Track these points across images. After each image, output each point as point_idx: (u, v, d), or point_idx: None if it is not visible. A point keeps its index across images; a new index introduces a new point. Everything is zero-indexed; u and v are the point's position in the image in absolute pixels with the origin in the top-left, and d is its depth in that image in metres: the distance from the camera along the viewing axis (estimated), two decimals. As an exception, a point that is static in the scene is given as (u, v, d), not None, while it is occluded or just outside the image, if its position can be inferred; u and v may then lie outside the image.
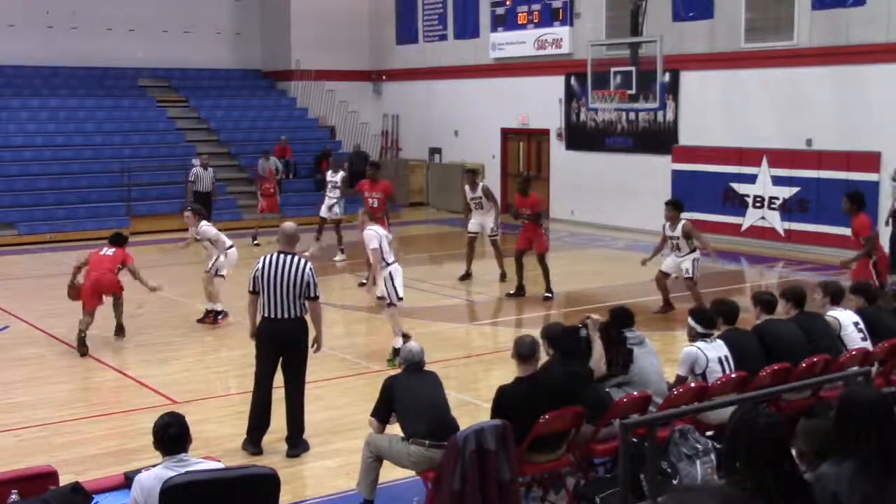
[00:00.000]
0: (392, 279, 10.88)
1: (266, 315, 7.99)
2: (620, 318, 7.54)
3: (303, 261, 8.02)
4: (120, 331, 12.00)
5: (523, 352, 6.58)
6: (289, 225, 8.31)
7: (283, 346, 8.08)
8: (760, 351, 7.60)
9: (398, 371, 6.97)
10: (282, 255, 7.98)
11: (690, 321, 7.55)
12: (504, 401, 6.43)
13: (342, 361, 11.22)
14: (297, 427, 8.16)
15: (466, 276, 15.77)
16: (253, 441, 8.12)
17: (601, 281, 16.53)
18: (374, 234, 10.86)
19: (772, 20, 18.88)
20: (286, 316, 7.93)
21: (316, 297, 8.03)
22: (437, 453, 6.25)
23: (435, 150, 27.47)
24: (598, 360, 7.11)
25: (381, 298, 11.15)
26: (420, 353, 6.84)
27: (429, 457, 6.37)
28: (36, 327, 12.64)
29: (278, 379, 8.18)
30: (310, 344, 8.19)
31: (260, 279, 7.94)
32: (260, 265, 7.99)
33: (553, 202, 23.83)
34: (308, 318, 8.10)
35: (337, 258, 17.86)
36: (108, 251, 12.00)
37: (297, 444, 8.13)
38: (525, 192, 14.83)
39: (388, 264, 10.90)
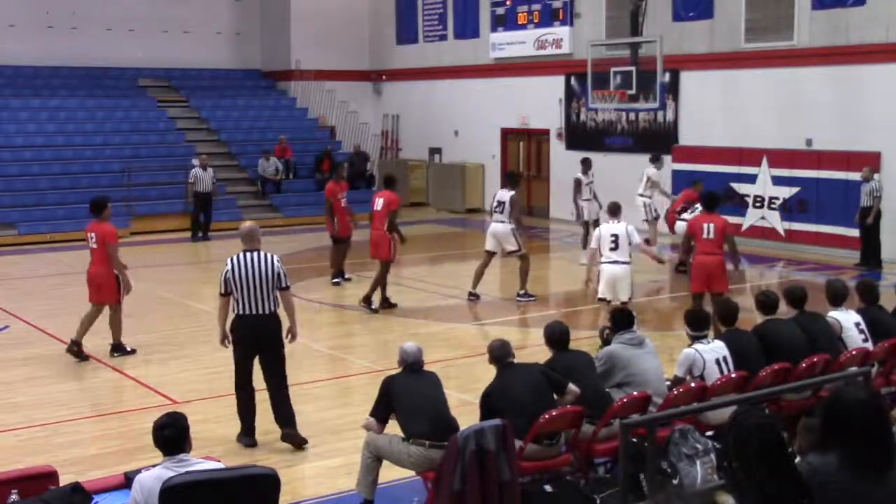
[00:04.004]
0: (598, 276, 11.79)
1: (242, 313, 8.08)
2: (619, 320, 7.54)
3: (269, 254, 8.18)
4: None
5: (494, 355, 6.80)
6: (246, 224, 8.46)
7: (260, 341, 8.16)
8: (760, 351, 7.61)
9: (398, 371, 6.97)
10: (248, 253, 8.12)
11: (685, 324, 7.60)
12: (483, 397, 6.65)
13: (342, 361, 11.23)
14: (288, 417, 8.25)
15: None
16: (247, 432, 8.25)
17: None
18: (595, 235, 11.89)
19: (772, 20, 18.87)
20: (262, 311, 8.06)
21: (287, 287, 8.19)
22: (438, 453, 6.25)
23: (435, 150, 27.46)
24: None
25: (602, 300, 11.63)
26: (416, 353, 6.83)
27: (429, 457, 6.38)
28: (36, 327, 12.64)
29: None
30: (285, 335, 8.30)
31: (233, 279, 8.05)
32: (230, 266, 8.09)
33: (553, 202, 23.84)
34: (281, 311, 8.21)
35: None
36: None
37: (292, 425, 8.21)
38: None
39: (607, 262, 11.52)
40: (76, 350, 11.06)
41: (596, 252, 11.73)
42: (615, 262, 11.45)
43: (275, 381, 8.25)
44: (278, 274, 8.11)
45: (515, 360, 6.85)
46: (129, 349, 11.26)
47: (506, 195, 14.22)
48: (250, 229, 8.34)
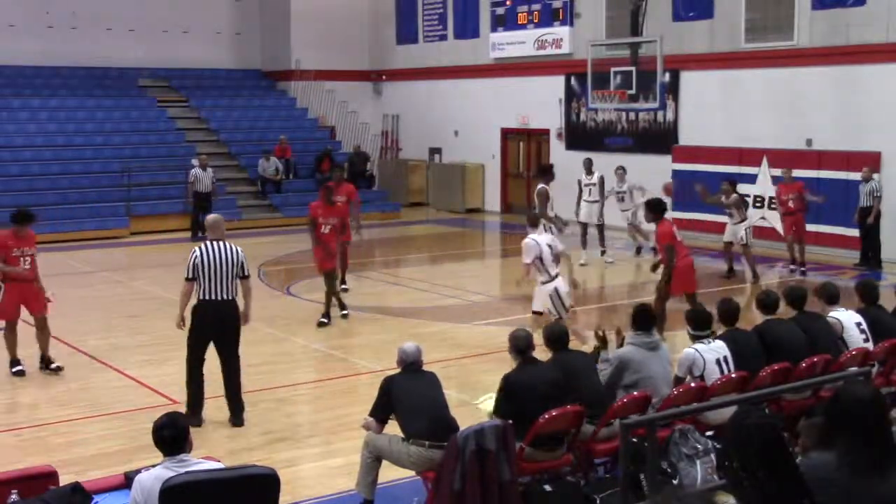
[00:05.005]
0: (559, 295, 10.32)
1: (206, 298, 8.60)
2: (639, 319, 7.42)
3: (233, 245, 8.76)
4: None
5: (520, 345, 6.75)
6: (211, 216, 9.14)
7: (221, 325, 8.70)
8: (761, 351, 7.60)
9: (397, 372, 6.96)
10: (215, 243, 8.69)
11: (686, 324, 7.56)
12: (510, 385, 6.58)
13: (342, 361, 11.23)
14: (238, 401, 8.86)
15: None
16: (196, 412, 8.68)
17: (601, 281, 16.55)
18: (533, 246, 10.31)
19: (772, 20, 18.88)
20: (225, 297, 8.63)
21: (248, 276, 8.84)
22: (438, 454, 6.25)
23: (435, 150, 27.47)
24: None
25: (538, 314, 10.53)
26: (415, 353, 6.83)
27: (429, 457, 6.37)
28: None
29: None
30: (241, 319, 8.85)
31: (201, 266, 8.55)
32: (199, 253, 8.60)
33: (553, 202, 23.79)
34: (239, 298, 8.78)
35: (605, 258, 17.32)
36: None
37: (240, 414, 8.82)
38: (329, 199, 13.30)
39: (551, 278, 10.36)
40: (51, 367, 10.59)
41: (531, 267, 10.43)
42: (558, 275, 10.58)
43: (231, 364, 8.82)
44: (242, 263, 8.72)
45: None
46: None
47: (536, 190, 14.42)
48: (216, 221, 8.95)
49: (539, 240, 10.54)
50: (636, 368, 7.11)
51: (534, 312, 10.81)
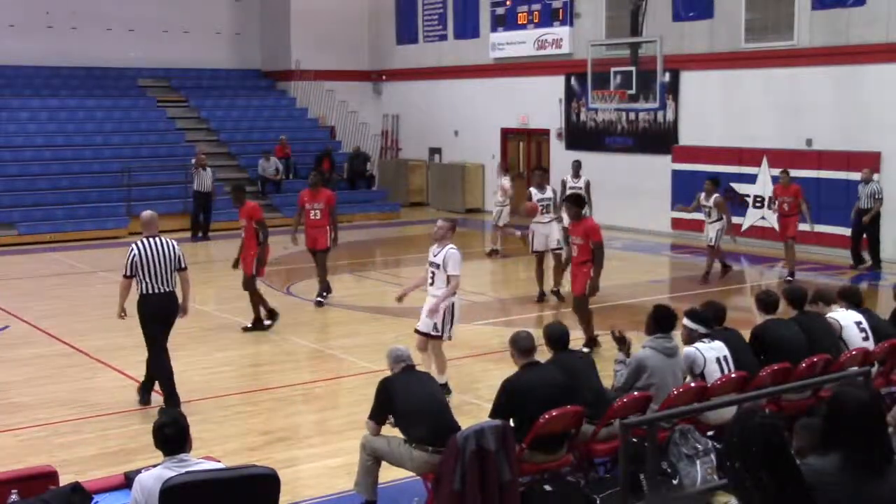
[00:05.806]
0: (453, 311, 9.51)
1: (149, 292, 8.90)
2: (660, 321, 7.32)
3: (168, 239, 9.06)
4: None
5: (523, 346, 6.69)
6: (145, 213, 9.30)
7: (165, 315, 9.04)
8: (750, 351, 7.60)
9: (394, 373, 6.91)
10: (151, 239, 8.95)
11: (687, 322, 7.50)
12: (510, 390, 6.52)
13: (342, 361, 11.22)
14: (170, 387, 9.09)
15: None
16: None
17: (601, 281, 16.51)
18: (462, 257, 9.66)
19: (772, 20, 18.88)
20: (167, 290, 8.97)
21: (185, 268, 9.13)
22: (440, 458, 6.22)
23: (435, 150, 27.48)
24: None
25: (429, 334, 9.51)
26: (407, 352, 6.89)
27: (431, 462, 6.32)
28: (36, 327, 12.63)
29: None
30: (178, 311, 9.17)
31: (140, 263, 8.84)
32: (137, 251, 8.86)
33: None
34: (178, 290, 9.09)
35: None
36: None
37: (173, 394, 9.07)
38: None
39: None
40: None
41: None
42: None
43: (164, 348, 9.11)
44: (179, 256, 9.03)
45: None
46: None
47: None
48: (151, 217, 9.20)
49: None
50: (650, 373, 7.05)
51: (425, 334, 9.57)
